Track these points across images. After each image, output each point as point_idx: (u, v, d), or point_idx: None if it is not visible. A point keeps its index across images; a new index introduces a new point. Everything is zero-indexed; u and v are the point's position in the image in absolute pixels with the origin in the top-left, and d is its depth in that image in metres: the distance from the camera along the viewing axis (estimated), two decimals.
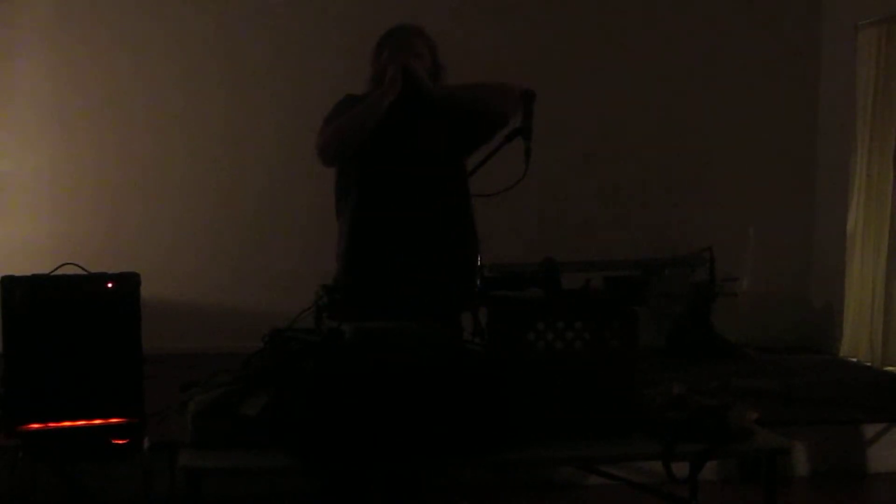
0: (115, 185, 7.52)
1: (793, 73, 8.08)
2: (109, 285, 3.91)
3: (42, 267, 3.95)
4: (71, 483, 4.24)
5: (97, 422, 3.90)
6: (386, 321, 2.79)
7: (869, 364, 7.25)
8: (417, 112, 3.48)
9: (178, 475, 2.59)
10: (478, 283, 3.38)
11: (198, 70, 7.54)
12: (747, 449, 2.93)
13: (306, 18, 7.55)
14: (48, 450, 3.88)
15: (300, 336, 2.81)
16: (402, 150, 3.48)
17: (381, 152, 3.46)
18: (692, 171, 7.96)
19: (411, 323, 2.76)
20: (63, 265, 3.92)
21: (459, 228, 3.53)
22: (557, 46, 7.75)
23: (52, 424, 3.85)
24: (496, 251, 5.48)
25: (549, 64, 7.53)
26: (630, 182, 7.86)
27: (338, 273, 3.59)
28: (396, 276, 3.38)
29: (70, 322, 3.87)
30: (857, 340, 7.46)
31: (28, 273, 3.90)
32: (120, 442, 3.91)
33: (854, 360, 7.43)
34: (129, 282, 3.94)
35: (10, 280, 3.84)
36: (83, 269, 3.94)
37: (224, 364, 2.95)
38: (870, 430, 5.46)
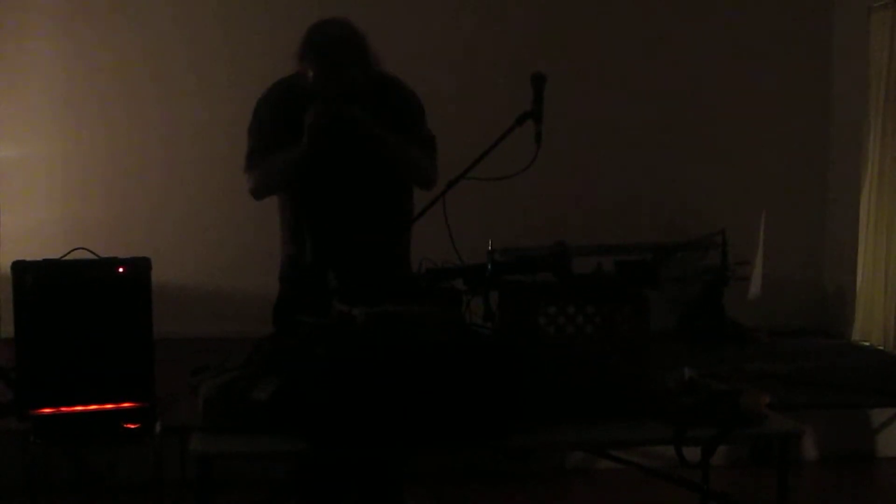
0: (126, 171, 7.53)
1: (805, 56, 8.04)
2: (120, 270, 3.90)
3: (53, 252, 3.95)
4: (82, 467, 4.26)
5: (108, 406, 3.90)
6: (395, 305, 2.79)
7: (881, 348, 7.23)
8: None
9: (189, 459, 2.59)
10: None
11: (210, 56, 7.54)
12: (759, 433, 2.92)
13: (317, 6, 7.53)
14: (60, 434, 3.89)
15: (311, 320, 2.81)
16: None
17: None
18: (704, 154, 7.94)
19: (423, 306, 2.76)
20: (74, 250, 3.91)
21: (393, 219, 3.54)
22: (572, 30, 7.73)
23: (63, 409, 3.85)
24: (507, 235, 5.48)
25: (561, 48, 7.51)
26: (642, 165, 7.83)
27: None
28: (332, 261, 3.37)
29: (81, 307, 3.86)
30: (869, 324, 7.45)
31: (39, 258, 3.90)
32: (131, 426, 3.91)
33: (866, 344, 7.42)
34: (139, 266, 3.94)
35: (22, 265, 3.83)
36: (94, 253, 3.94)
37: (235, 348, 2.95)
38: (881, 414, 5.45)
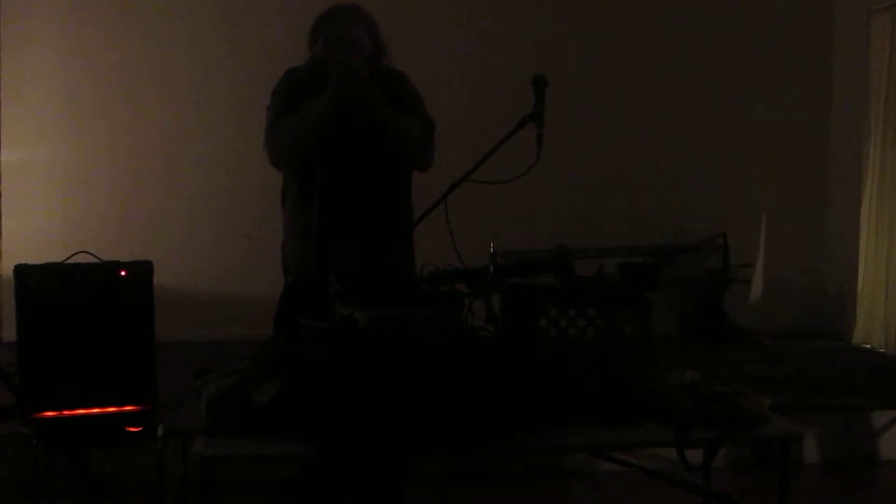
0: (128, 175, 7.53)
1: (806, 59, 8.04)
2: (122, 273, 3.92)
3: (55, 255, 3.96)
4: (85, 470, 4.26)
5: (111, 409, 3.91)
6: (397, 307, 2.79)
7: (882, 350, 7.23)
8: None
9: (191, 462, 2.60)
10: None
11: (210, 60, 7.54)
12: (760, 435, 2.92)
13: (319, 9, 7.53)
14: (62, 437, 3.89)
15: (313, 323, 2.81)
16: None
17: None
18: (705, 157, 7.94)
19: (425, 309, 2.76)
20: (76, 253, 3.92)
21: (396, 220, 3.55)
22: (569, 32, 7.73)
23: (66, 412, 3.86)
24: (509, 238, 5.48)
25: (561, 50, 7.51)
26: (644, 168, 7.84)
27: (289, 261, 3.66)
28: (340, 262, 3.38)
29: (83, 310, 3.87)
30: (870, 327, 7.44)
31: (41, 262, 3.91)
32: (134, 429, 3.92)
33: (867, 346, 7.41)
34: (142, 269, 3.95)
35: (24, 268, 3.85)
36: (96, 257, 3.95)
37: (237, 351, 2.96)
38: (882, 417, 5.45)
